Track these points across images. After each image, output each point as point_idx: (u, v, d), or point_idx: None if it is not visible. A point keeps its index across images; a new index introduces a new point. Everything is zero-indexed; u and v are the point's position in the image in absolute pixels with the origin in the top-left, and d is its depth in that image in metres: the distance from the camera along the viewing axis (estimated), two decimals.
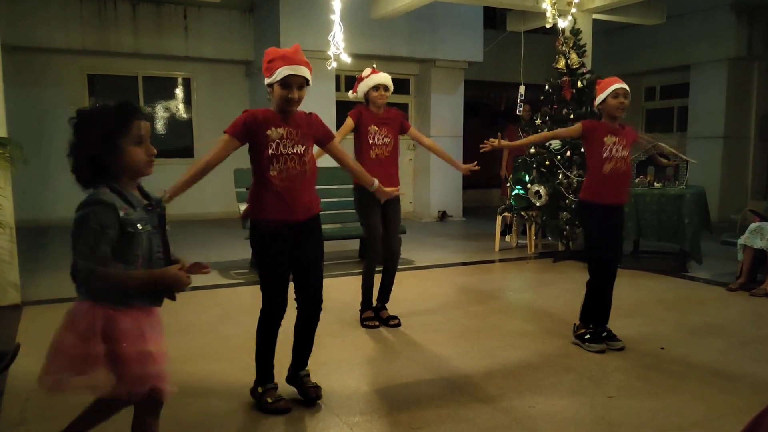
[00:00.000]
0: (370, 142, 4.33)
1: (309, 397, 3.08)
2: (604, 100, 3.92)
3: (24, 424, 2.93)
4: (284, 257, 2.95)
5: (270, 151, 2.86)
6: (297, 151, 2.90)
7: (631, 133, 3.99)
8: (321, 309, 3.10)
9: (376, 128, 4.34)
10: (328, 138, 3.10)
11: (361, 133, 4.36)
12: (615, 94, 3.87)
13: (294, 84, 2.85)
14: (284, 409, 3.00)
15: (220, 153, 2.93)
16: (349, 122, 4.38)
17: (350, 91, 4.56)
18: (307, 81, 2.90)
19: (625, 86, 3.91)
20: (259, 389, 3.07)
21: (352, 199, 4.49)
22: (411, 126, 4.62)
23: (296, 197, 2.92)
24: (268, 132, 2.86)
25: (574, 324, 4.15)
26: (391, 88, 4.43)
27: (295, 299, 3.07)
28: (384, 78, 4.36)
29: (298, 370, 3.16)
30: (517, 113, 8.34)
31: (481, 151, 4.19)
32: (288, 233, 2.92)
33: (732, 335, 4.34)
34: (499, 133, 8.61)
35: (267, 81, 2.91)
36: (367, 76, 4.36)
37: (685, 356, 3.88)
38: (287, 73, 2.83)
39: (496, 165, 9.07)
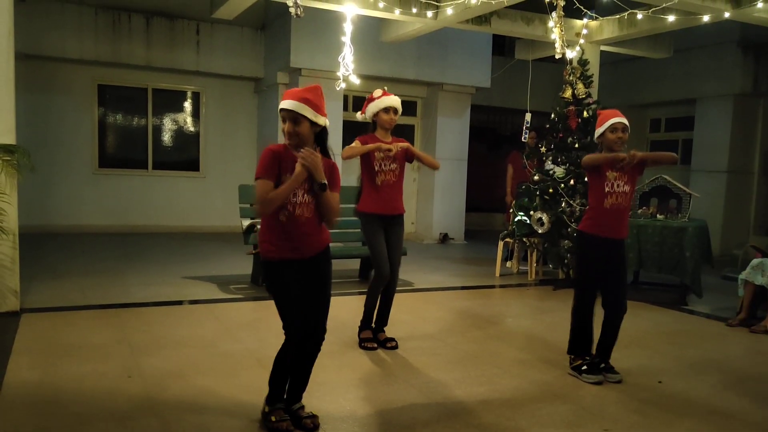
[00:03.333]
0: (377, 168, 4.37)
1: (305, 427, 3.04)
2: (602, 134, 3.93)
3: None
4: (296, 289, 2.97)
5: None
6: (305, 200, 2.93)
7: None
8: (322, 340, 3.07)
9: (382, 155, 4.37)
10: (333, 190, 3.04)
11: (368, 160, 4.39)
12: (613, 128, 3.86)
13: (287, 117, 2.90)
14: (286, 430, 2.98)
15: (268, 192, 2.86)
16: (358, 143, 4.40)
17: (358, 113, 4.59)
18: (302, 116, 2.87)
19: (624, 120, 3.88)
20: (266, 408, 3.06)
21: (355, 218, 4.51)
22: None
23: (304, 239, 2.97)
24: (284, 178, 2.88)
25: (570, 356, 4.13)
26: (400, 111, 4.47)
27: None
28: (395, 101, 4.39)
29: (292, 404, 3.12)
30: (523, 140, 8.39)
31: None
32: (301, 267, 2.97)
33: (730, 372, 4.32)
34: (510, 166, 8.55)
35: None
36: (378, 98, 4.38)
37: (683, 391, 3.86)
38: (280, 107, 2.92)
39: (500, 190, 9.08)
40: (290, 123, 2.90)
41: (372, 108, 4.40)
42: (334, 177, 3.04)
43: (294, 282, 2.96)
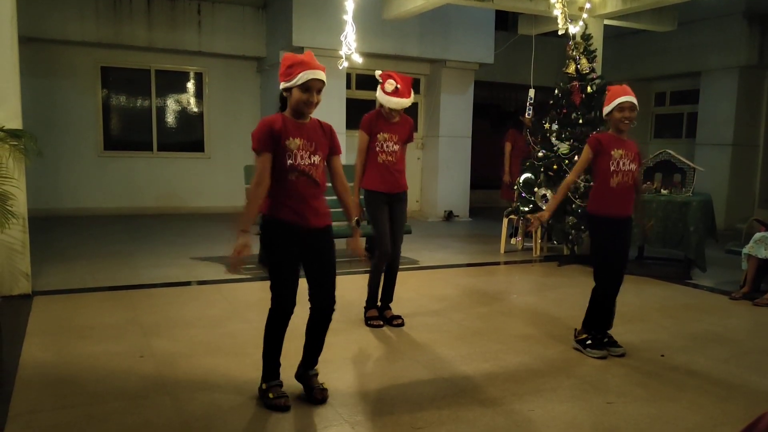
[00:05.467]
0: (378, 149, 4.43)
1: (314, 398, 3.13)
2: (610, 112, 3.91)
3: (33, 413, 2.99)
4: (295, 258, 3.03)
5: (288, 162, 2.92)
6: (313, 161, 2.97)
7: (634, 147, 3.96)
8: (333, 310, 3.16)
9: (386, 135, 4.44)
10: (335, 152, 3.16)
11: (370, 140, 4.45)
12: (620, 107, 3.84)
13: (314, 88, 2.93)
14: (284, 407, 3.05)
15: (266, 171, 2.92)
16: (363, 137, 4.47)
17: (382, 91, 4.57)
18: (323, 84, 3.00)
19: (632, 99, 3.85)
20: (263, 385, 3.13)
21: (361, 197, 4.56)
22: (413, 140, 4.74)
23: (312, 205, 3.01)
24: (287, 142, 2.91)
25: (575, 329, 4.19)
26: (405, 107, 4.48)
27: (309, 300, 3.13)
28: (398, 104, 4.40)
29: (307, 369, 3.23)
30: (527, 116, 8.37)
31: (528, 229, 4.29)
32: (302, 237, 3.00)
33: (733, 345, 4.37)
34: (507, 144, 8.47)
35: (285, 85, 2.96)
36: (388, 93, 4.38)
37: (685, 364, 3.91)
38: (310, 77, 2.90)
39: (501, 168, 9.05)
40: (315, 93, 2.95)
41: (380, 97, 4.45)
42: (334, 140, 3.12)
43: (294, 249, 3.00)
